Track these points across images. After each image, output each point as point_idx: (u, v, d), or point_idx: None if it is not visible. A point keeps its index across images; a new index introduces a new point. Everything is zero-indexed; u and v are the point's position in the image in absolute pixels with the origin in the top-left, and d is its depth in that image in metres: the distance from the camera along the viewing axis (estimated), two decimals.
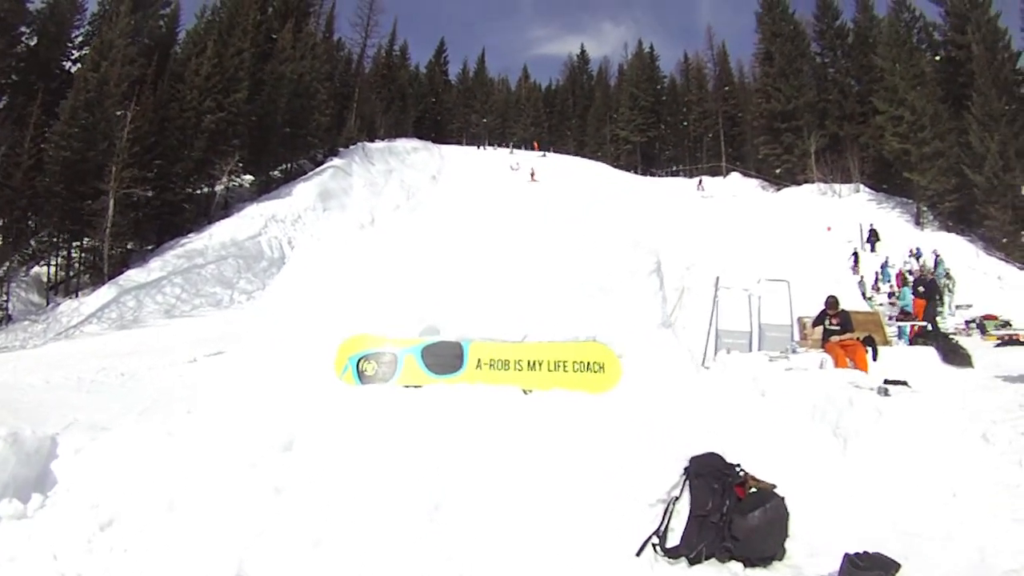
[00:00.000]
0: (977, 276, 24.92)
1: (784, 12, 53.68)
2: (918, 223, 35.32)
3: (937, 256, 25.49)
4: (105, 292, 21.44)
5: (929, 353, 11.48)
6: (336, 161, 41.24)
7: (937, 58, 39.31)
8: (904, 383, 7.50)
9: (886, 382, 7.48)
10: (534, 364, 7.90)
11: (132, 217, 25.46)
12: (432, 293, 8.10)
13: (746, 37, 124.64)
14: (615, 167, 63.16)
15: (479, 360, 7.91)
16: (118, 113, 24.88)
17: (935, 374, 10.22)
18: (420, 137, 59.68)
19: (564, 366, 7.83)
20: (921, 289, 18.27)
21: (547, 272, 8.14)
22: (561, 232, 21.18)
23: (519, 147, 66.13)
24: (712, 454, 5.58)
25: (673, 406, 7.15)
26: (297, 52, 39.79)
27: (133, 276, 22.80)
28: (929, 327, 15.40)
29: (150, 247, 27.03)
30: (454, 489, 5.40)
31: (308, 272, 23.60)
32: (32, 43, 29.49)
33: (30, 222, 23.59)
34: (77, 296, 22.43)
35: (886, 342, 12.86)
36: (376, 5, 58.37)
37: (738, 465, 5.43)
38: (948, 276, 23.62)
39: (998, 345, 15.06)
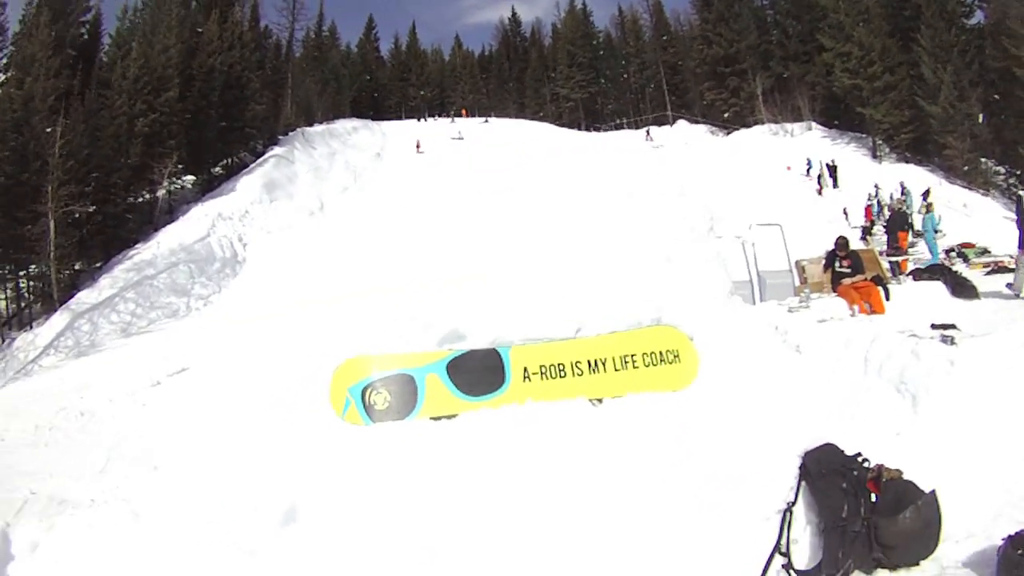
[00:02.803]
0: (941, 205, 24.89)
1: None
2: (875, 156, 35.59)
3: (903, 187, 25.37)
4: (58, 320, 20.16)
5: (937, 288, 10.98)
6: (277, 150, 39.90)
7: None
8: (953, 326, 6.87)
9: (935, 327, 6.87)
10: (596, 364, 6.59)
11: (75, 237, 23.93)
12: (449, 283, 6.88)
13: None
14: (558, 125, 62.66)
15: (526, 370, 6.44)
16: (48, 130, 23.35)
17: (950, 309, 9.65)
18: (359, 116, 58.35)
19: (633, 361, 6.64)
20: (887, 219, 18.27)
21: (592, 241, 7.13)
22: (598, 192, 20.36)
23: (459, 115, 64.99)
24: (829, 446, 4.87)
25: (765, 391, 6.28)
26: (224, 43, 38.13)
27: (84, 298, 21.49)
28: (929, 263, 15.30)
29: (98, 265, 25.51)
30: (516, 559, 4.36)
31: (271, 276, 22.46)
32: None
33: None
34: (31, 327, 21.07)
35: (886, 275, 12.42)
36: None
37: (859, 454, 4.70)
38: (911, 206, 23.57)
39: (987, 273, 14.94)
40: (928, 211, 18.23)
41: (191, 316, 21.14)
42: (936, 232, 18.17)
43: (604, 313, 6.89)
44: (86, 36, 36.63)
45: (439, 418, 6.20)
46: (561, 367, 6.55)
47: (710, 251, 7.69)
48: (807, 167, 35.12)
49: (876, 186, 27.17)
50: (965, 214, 24.47)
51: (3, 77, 28.48)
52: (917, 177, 29.32)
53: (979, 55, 33.06)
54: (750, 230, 13.91)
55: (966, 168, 30.62)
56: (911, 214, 22.00)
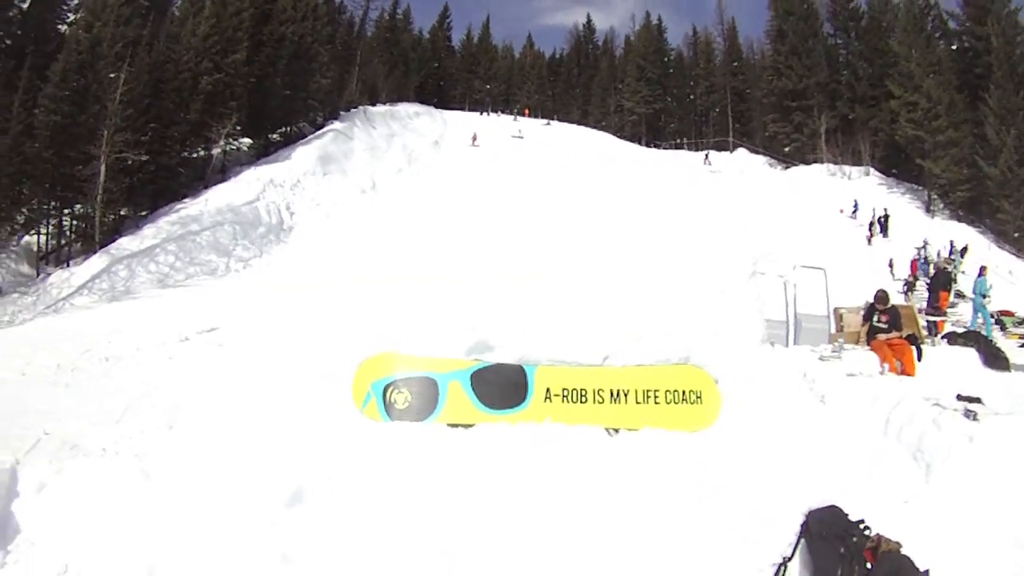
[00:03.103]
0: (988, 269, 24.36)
1: None
2: (928, 210, 34.94)
3: (953, 246, 24.84)
4: (96, 262, 20.61)
5: (971, 355, 10.63)
6: (337, 124, 40.19)
7: (953, 47, 38.84)
8: (978, 400, 6.78)
9: (960, 398, 6.80)
10: (619, 395, 6.65)
11: (125, 183, 24.49)
12: (482, 296, 6.95)
13: (756, 15, 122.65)
14: (619, 137, 62.23)
15: (548, 390, 6.56)
16: (111, 75, 23.76)
17: (980, 379, 9.56)
18: (423, 102, 58.78)
19: (655, 396, 6.70)
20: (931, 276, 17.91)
21: (631, 275, 7.15)
22: (644, 224, 20.25)
23: (521, 114, 65.07)
24: (833, 508, 4.87)
25: (783, 440, 6.33)
26: (298, 13, 38.52)
27: (125, 244, 21.93)
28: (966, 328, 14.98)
29: (144, 213, 26.10)
30: (512, 568, 4.47)
31: (314, 248, 22.53)
32: (25, 4, 27.96)
33: (21, 190, 22.67)
34: (68, 266, 21.62)
35: (922, 335, 12.23)
36: None
37: (862, 522, 4.69)
38: (957, 267, 23.09)
39: (1022, 345, 14.62)
40: (981, 275, 17.72)
41: (229, 276, 21.20)
42: (984, 297, 17.75)
43: (633, 345, 6.98)
44: None
45: (456, 425, 6.35)
46: (583, 392, 6.64)
47: (750, 295, 7.70)
48: (854, 208, 34.88)
49: (925, 241, 26.64)
50: (1010, 281, 23.87)
51: (73, 17, 29.21)
52: (967, 237, 28.88)
53: None
54: (794, 270, 13.81)
55: (1016, 235, 29.99)
56: (956, 275, 21.54)
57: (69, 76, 22.83)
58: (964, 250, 27.66)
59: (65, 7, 29.87)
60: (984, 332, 14.66)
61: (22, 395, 8.04)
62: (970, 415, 6.16)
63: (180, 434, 6.39)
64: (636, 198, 32.49)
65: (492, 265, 16.10)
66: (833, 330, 12.84)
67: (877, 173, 42.23)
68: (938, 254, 24.95)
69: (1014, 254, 28.18)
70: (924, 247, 26.01)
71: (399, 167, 39.06)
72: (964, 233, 29.62)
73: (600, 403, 6.59)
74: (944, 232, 28.53)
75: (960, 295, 20.27)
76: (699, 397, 6.77)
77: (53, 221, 23.58)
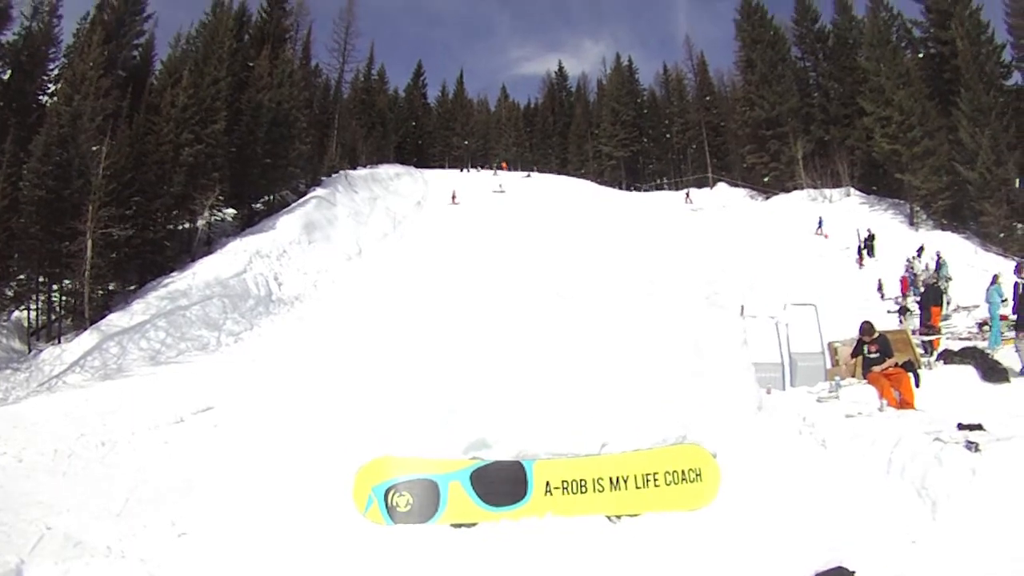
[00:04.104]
0: (977, 273, 24.38)
1: (763, 18, 54.14)
2: (912, 223, 35.16)
3: (939, 258, 24.82)
4: (87, 338, 20.41)
5: (968, 372, 11.05)
6: (319, 191, 40.37)
7: (920, 55, 39.50)
8: (979, 427, 6.73)
9: (961, 427, 6.73)
10: (618, 482, 6.70)
11: (112, 257, 24.46)
12: (477, 392, 6.97)
13: (725, 46, 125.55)
14: (599, 183, 63.11)
15: (548, 484, 6.60)
16: (93, 148, 23.77)
17: (980, 395, 9.82)
18: (402, 162, 59.49)
19: (655, 479, 6.75)
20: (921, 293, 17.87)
21: (622, 356, 7.18)
22: (629, 298, 20.41)
23: (499, 168, 65.93)
24: (839, 570, 4.88)
25: (786, 501, 6.30)
26: (275, 80, 39.05)
27: (115, 320, 21.75)
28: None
29: (132, 288, 25.95)
30: None
31: (304, 320, 22.31)
32: (5, 76, 28.51)
33: (9, 265, 22.57)
34: (59, 342, 21.34)
35: (918, 359, 12.20)
36: (352, 29, 57.38)
37: None
38: (947, 278, 22.99)
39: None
40: (993, 283, 16.99)
41: (221, 352, 21.02)
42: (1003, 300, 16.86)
43: (630, 429, 6.98)
44: (138, 59, 37.59)
45: (460, 525, 6.36)
46: (583, 483, 6.69)
47: (742, 364, 7.79)
48: (819, 224, 36.57)
49: (911, 256, 26.72)
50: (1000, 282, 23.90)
51: (53, 88, 29.47)
52: (953, 244, 29.09)
53: (1016, 117, 32.83)
54: (784, 310, 13.84)
55: (1001, 235, 30.18)
56: (946, 287, 21.52)
57: (52, 151, 22.88)
58: (920, 250, 28.27)
59: (46, 78, 30.21)
60: (992, 340, 14.52)
61: (22, 485, 8.00)
62: (972, 446, 6.16)
63: (183, 533, 6.36)
64: (618, 250, 32.89)
65: (481, 336, 16.09)
66: (829, 365, 12.88)
67: (857, 192, 42.64)
68: (926, 267, 24.94)
69: (1000, 255, 28.25)
70: (911, 262, 26.07)
71: (384, 231, 39.34)
72: (949, 240, 29.81)
73: (600, 492, 6.64)
74: (930, 242, 28.58)
75: (964, 308, 20.34)
76: (698, 475, 6.86)
77: (42, 297, 23.39)
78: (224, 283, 25.80)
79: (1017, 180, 30.13)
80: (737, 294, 20.84)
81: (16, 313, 22.74)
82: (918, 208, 35.36)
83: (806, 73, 53.06)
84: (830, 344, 13.52)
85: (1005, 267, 25.44)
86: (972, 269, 25.18)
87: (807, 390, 9.82)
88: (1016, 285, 12.88)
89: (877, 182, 41.78)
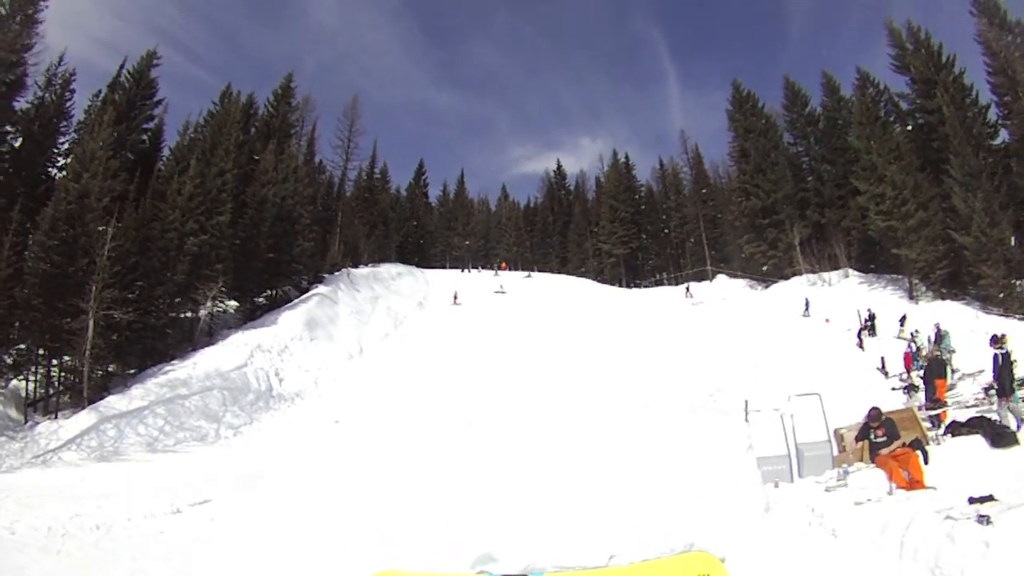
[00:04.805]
0: (979, 337, 24.25)
1: (755, 106, 55.45)
2: (911, 297, 35.08)
3: (939, 329, 24.66)
4: (85, 418, 20.32)
5: (976, 442, 11.07)
6: (321, 288, 40.69)
7: (908, 127, 40.12)
8: (991, 497, 6.65)
9: (972, 501, 6.64)
10: None
11: (113, 339, 24.49)
12: (483, 505, 6.95)
13: (719, 136, 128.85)
14: (600, 282, 63.36)
15: None
16: (99, 228, 24.24)
17: (990, 464, 9.78)
18: (404, 261, 60.17)
19: None
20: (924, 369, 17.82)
21: (627, 466, 7.21)
22: (632, 408, 20.52)
23: (500, 268, 66.44)
24: None
25: None
26: (279, 174, 39.86)
27: (114, 403, 21.67)
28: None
29: (132, 371, 25.82)
30: None
31: (304, 418, 22.23)
32: (16, 144, 29.22)
33: (9, 333, 22.55)
34: (56, 417, 21.16)
35: (925, 436, 12.16)
36: (356, 127, 59.32)
37: None
38: (950, 350, 22.80)
39: None
40: (1000, 345, 16.93)
41: (220, 444, 21.05)
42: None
43: (637, 539, 6.99)
44: (146, 144, 38.60)
45: None
46: None
47: (747, 465, 7.89)
48: (805, 307, 37.63)
49: (914, 332, 26.57)
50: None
51: (63, 162, 30.16)
52: (954, 312, 29.06)
53: (1007, 175, 33.00)
54: (789, 401, 13.87)
55: (1001, 295, 29.97)
56: (949, 358, 21.37)
57: (58, 225, 23.25)
58: (903, 319, 28.96)
59: (56, 151, 31.05)
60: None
61: (14, 558, 8.04)
62: (983, 520, 6.12)
63: None
64: (620, 351, 32.80)
65: (487, 447, 16.07)
66: (836, 452, 12.81)
67: (856, 272, 42.72)
68: (928, 340, 24.78)
69: (1002, 315, 28.16)
70: (913, 337, 25.92)
71: (385, 331, 39.39)
72: (950, 310, 29.72)
73: None
74: (931, 315, 28.51)
75: (969, 375, 20.16)
76: None
77: (41, 369, 23.27)
78: (225, 375, 25.86)
79: (1012, 238, 30.24)
80: (740, 392, 20.69)
81: (14, 382, 22.62)
82: (916, 281, 35.32)
83: (799, 158, 53.63)
84: (836, 431, 13.50)
85: (1008, 327, 25.41)
86: (974, 334, 25.02)
87: (815, 480, 9.95)
88: (995, 356, 13.34)
89: (874, 259, 41.92)
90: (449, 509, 9.04)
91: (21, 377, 22.66)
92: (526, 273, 65.03)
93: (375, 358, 34.20)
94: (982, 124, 35.50)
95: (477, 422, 21.01)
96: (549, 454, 14.49)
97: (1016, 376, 13.38)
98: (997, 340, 14.06)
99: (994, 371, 13.40)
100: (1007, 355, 13.48)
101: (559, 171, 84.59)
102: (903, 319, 28.41)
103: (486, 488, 9.72)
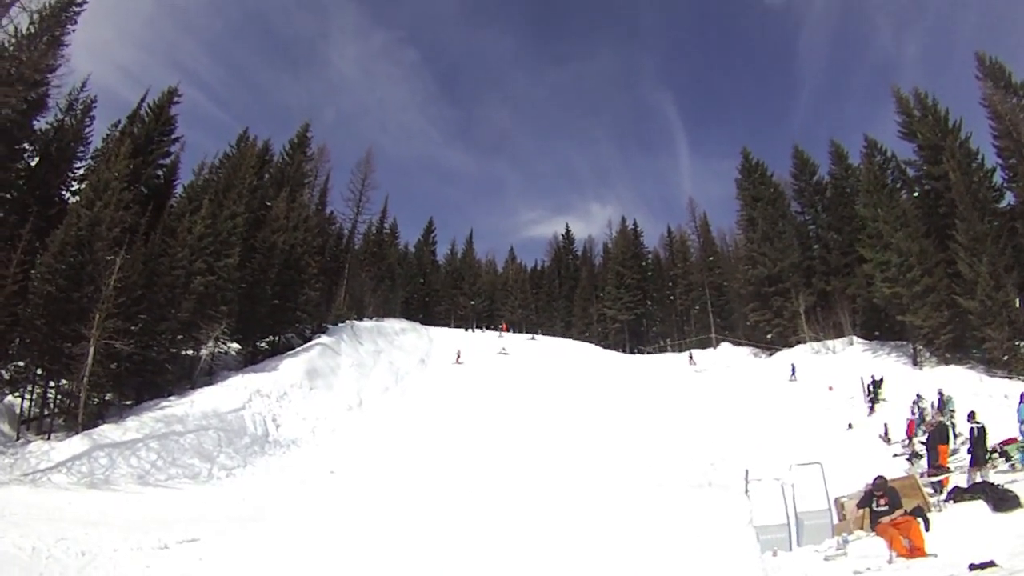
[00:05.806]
0: (982, 400, 24.04)
1: (763, 175, 56.22)
2: (916, 363, 34.84)
3: (942, 395, 24.47)
4: (78, 443, 20.10)
5: (979, 508, 10.97)
6: (324, 338, 40.63)
7: (915, 194, 40.38)
8: (992, 563, 6.65)
9: (973, 567, 6.63)
10: None
11: (112, 368, 24.36)
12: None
13: (728, 203, 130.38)
14: (603, 346, 63.41)
15: None
16: (107, 258, 24.37)
17: (992, 530, 9.65)
18: (409, 317, 60.08)
19: None
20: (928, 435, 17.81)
21: (624, 546, 7.19)
22: (630, 485, 20.52)
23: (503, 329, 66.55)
24: None
25: None
26: (290, 222, 40.19)
27: (108, 432, 21.46)
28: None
29: (128, 403, 25.72)
30: None
31: (299, 466, 22.20)
32: (33, 163, 29.39)
33: (9, 348, 22.50)
34: (49, 438, 21.01)
35: (927, 502, 12.09)
36: (369, 181, 60.20)
37: None
38: (952, 411, 22.63)
39: None
40: (1022, 401, 17.27)
41: (212, 484, 20.89)
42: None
43: None
44: (161, 179, 38.92)
45: None
46: None
47: (746, 541, 7.95)
48: (791, 372, 38.84)
49: (918, 395, 26.36)
50: (1007, 405, 23.41)
51: (77, 187, 30.45)
52: (958, 377, 28.93)
53: (1012, 236, 33.16)
54: (790, 471, 13.89)
55: (1005, 358, 29.68)
56: (952, 424, 21.20)
57: (67, 250, 23.42)
58: (880, 382, 29.93)
59: (71, 175, 31.29)
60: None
61: None
62: None
63: None
64: (622, 417, 32.89)
65: (479, 524, 15.97)
66: (836, 521, 12.79)
67: (860, 340, 42.58)
68: (932, 405, 24.58)
69: (1006, 377, 27.96)
70: (917, 402, 25.69)
71: (386, 385, 39.36)
72: (954, 375, 29.58)
73: None
74: (935, 381, 28.32)
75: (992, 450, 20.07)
76: None
77: (38, 389, 23.15)
78: (222, 416, 25.76)
79: (1017, 300, 30.15)
80: (741, 460, 20.55)
81: (9, 397, 22.51)
82: (921, 347, 35.11)
83: (806, 227, 53.98)
84: (837, 499, 13.49)
85: (1012, 388, 25.21)
86: (977, 397, 24.83)
87: (814, 549, 10.02)
88: (971, 430, 15.12)
89: (879, 326, 41.87)
90: None
91: (16, 394, 22.55)
92: (530, 335, 65.16)
93: (374, 411, 34.11)
94: (988, 188, 35.81)
95: (474, 487, 20.83)
96: (548, 526, 14.34)
97: (988, 448, 15.34)
98: (972, 416, 15.92)
99: (971, 443, 15.43)
100: (982, 429, 15.31)
101: (567, 235, 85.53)
102: (880, 381, 29.99)
103: (478, 561, 9.59)
